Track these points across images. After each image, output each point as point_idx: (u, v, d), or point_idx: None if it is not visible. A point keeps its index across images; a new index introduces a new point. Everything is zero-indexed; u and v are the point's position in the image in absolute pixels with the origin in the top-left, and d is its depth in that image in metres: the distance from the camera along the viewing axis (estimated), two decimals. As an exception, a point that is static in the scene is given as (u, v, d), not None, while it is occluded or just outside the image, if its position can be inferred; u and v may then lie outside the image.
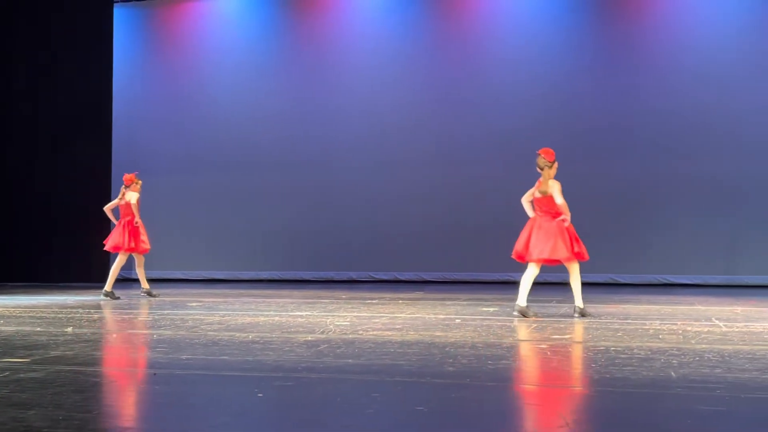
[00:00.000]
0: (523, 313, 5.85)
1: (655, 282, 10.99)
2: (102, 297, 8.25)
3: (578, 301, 6.10)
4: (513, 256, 6.26)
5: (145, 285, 8.56)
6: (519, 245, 6.12)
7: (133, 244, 8.34)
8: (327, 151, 12.24)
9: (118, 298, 8.28)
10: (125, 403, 2.66)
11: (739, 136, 10.85)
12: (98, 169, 11.94)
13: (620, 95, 11.31)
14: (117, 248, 8.48)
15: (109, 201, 12.09)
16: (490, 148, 11.65)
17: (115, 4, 12.68)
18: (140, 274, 8.66)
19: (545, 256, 5.93)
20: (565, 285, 10.17)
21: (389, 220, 12.01)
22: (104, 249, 8.82)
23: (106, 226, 12.16)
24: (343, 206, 12.14)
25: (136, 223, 8.40)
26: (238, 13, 12.89)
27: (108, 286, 8.31)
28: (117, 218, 8.57)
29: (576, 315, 6.00)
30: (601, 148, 11.34)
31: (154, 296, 8.41)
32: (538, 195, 6.14)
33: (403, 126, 12.00)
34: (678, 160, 11.03)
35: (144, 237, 8.46)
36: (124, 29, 13.01)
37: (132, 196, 8.40)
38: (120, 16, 12.92)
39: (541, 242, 5.94)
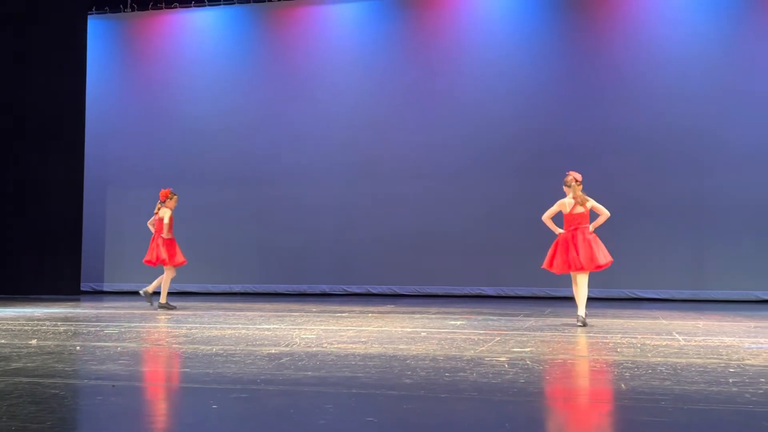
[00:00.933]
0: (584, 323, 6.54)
1: (624, 296, 11.13)
2: (157, 308, 8.57)
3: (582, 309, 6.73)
4: (571, 269, 6.75)
5: (151, 288, 8.76)
6: (580, 257, 6.66)
7: (164, 257, 8.55)
8: (300, 164, 12.28)
9: (174, 308, 8.57)
10: (79, 415, 2.68)
11: (705, 153, 11.05)
12: (70, 182, 11.89)
13: (589, 111, 11.48)
14: (149, 262, 8.70)
15: (82, 214, 12.10)
16: (464, 162, 11.76)
17: (89, 16, 12.67)
18: (163, 281, 8.75)
19: (601, 262, 6.76)
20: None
21: (363, 233, 12.07)
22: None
23: (77, 239, 12.12)
24: (317, 220, 12.18)
25: (164, 236, 8.56)
26: (213, 26, 12.93)
27: (162, 298, 8.62)
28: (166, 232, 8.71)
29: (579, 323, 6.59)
30: (569, 163, 11.46)
31: (150, 304, 8.67)
32: (578, 210, 6.86)
33: (378, 139, 12.08)
34: (647, 176, 11.20)
35: (176, 250, 8.66)
36: (98, 41, 13.00)
37: (164, 213, 8.61)
38: (94, 27, 12.92)
39: (594, 251, 6.73)
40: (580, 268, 6.65)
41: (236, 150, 12.51)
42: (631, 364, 4.00)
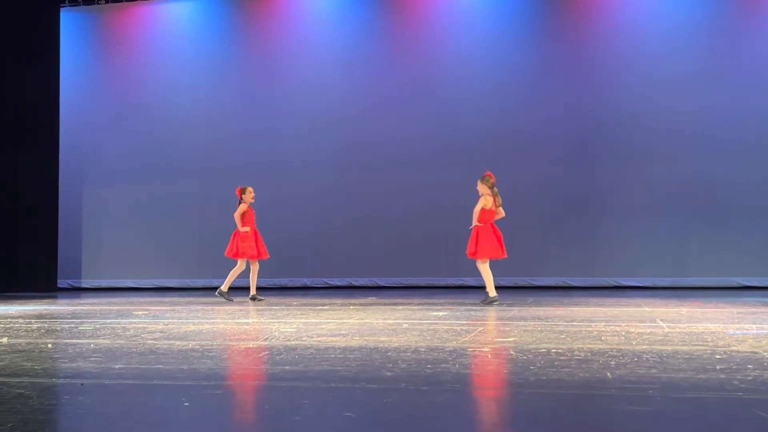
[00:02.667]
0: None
1: (606, 285, 11.12)
2: (216, 294, 8.87)
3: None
4: (493, 257, 7.84)
5: (225, 287, 8.87)
6: (495, 247, 7.81)
7: (235, 251, 8.72)
8: (279, 156, 12.15)
9: (231, 300, 8.71)
10: (42, 416, 2.56)
11: (684, 140, 11.05)
12: (45, 177, 11.69)
13: (568, 101, 11.44)
14: (234, 256, 8.83)
15: (57, 208, 11.88)
16: (447, 154, 11.68)
17: (62, 8, 12.43)
18: (250, 279, 8.92)
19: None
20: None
21: (344, 225, 11.96)
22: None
23: (53, 235, 11.91)
24: (297, 212, 12.05)
25: (241, 230, 8.70)
26: (189, 17, 12.74)
27: (224, 286, 8.81)
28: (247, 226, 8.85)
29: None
30: (551, 153, 11.44)
31: (260, 300, 8.72)
32: (495, 207, 7.89)
33: (357, 131, 11.97)
34: (627, 165, 11.18)
35: (249, 243, 8.69)
36: (71, 34, 12.76)
37: (240, 208, 8.74)
38: (67, 20, 12.68)
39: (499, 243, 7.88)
40: (503, 256, 7.90)
41: (213, 142, 12.36)
42: (616, 352, 3.92)
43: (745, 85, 10.89)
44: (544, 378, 3.11)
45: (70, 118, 12.35)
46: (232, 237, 8.86)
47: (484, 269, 7.83)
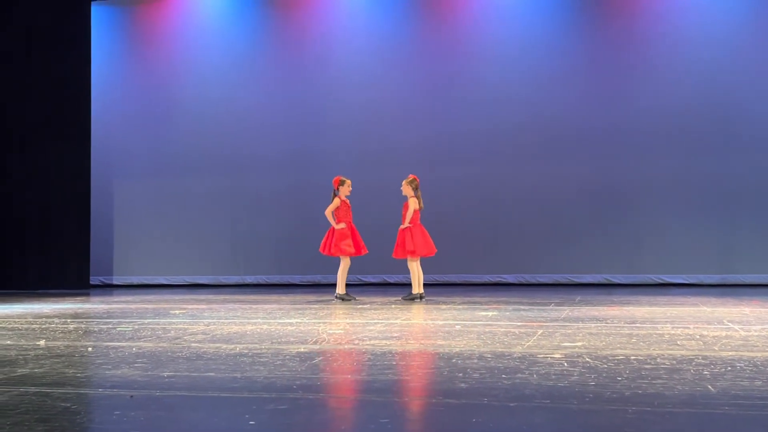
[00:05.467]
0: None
1: (650, 282, 10.73)
2: (334, 300, 8.19)
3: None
4: (426, 254, 8.27)
5: (340, 289, 8.27)
6: (429, 245, 8.26)
7: (332, 248, 8.21)
8: (310, 151, 11.89)
9: (352, 299, 8.19)
10: (96, 436, 2.31)
11: (732, 134, 10.63)
12: (76, 171, 11.54)
13: (612, 94, 11.06)
14: (321, 251, 8.41)
15: (89, 205, 11.71)
16: (481, 148, 11.36)
17: (93, 2, 12.26)
18: (339, 273, 8.35)
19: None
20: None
21: (376, 221, 11.66)
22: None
23: (85, 231, 11.75)
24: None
25: (336, 227, 8.21)
26: (219, 11, 12.51)
27: (339, 289, 8.24)
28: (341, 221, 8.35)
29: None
30: (594, 148, 11.07)
31: (348, 299, 8.15)
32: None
33: (390, 126, 11.67)
34: (671, 159, 10.79)
35: (347, 241, 8.19)
36: (102, 28, 12.58)
37: (334, 203, 8.24)
38: (98, 14, 12.51)
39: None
40: (435, 252, 8.33)
41: (245, 138, 12.12)
42: (703, 359, 3.60)
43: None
44: (640, 392, 2.81)
45: (101, 112, 12.17)
46: (327, 234, 8.31)
47: (416, 267, 8.12)
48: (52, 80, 11.55)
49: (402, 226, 8.14)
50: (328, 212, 8.25)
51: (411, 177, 8.27)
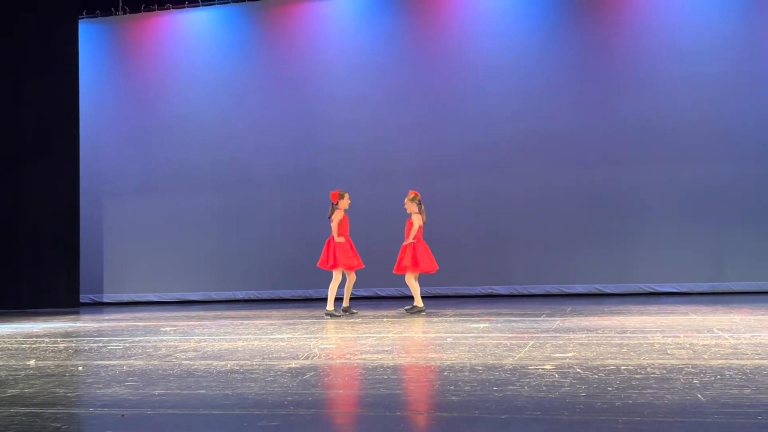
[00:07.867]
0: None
1: (640, 291, 10.77)
2: (324, 316, 7.98)
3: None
4: (428, 270, 8.34)
5: (330, 306, 8.08)
6: (431, 261, 8.32)
7: (332, 262, 7.99)
8: (300, 166, 11.91)
9: (339, 316, 7.94)
10: (87, 456, 2.30)
11: (721, 144, 10.71)
12: (65, 189, 11.49)
13: (602, 105, 11.13)
14: (320, 265, 8.21)
15: (78, 222, 11.67)
16: (471, 160, 11.39)
17: (80, 20, 12.27)
18: (345, 290, 8.32)
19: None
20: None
21: (368, 234, 11.66)
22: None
23: (75, 249, 11.69)
24: (321, 222, 11.78)
25: (337, 240, 8.00)
26: (208, 26, 12.54)
27: (329, 305, 8.01)
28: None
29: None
30: (583, 159, 11.12)
31: (353, 314, 8.11)
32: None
33: (382, 139, 11.70)
34: (660, 170, 10.86)
35: (347, 254, 8.01)
36: (90, 45, 12.59)
37: (336, 215, 8.08)
38: (85, 31, 12.52)
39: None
40: (436, 268, 8.39)
41: (234, 155, 12.12)
42: (693, 368, 3.62)
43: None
44: (630, 402, 2.82)
45: (89, 130, 12.16)
46: (325, 247, 8.11)
47: (414, 282, 8.19)
48: (40, 98, 11.53)
49: (406, 242, 8.24)
50: (336, 224, 8.04)
51: (412, 194, 8.29)
